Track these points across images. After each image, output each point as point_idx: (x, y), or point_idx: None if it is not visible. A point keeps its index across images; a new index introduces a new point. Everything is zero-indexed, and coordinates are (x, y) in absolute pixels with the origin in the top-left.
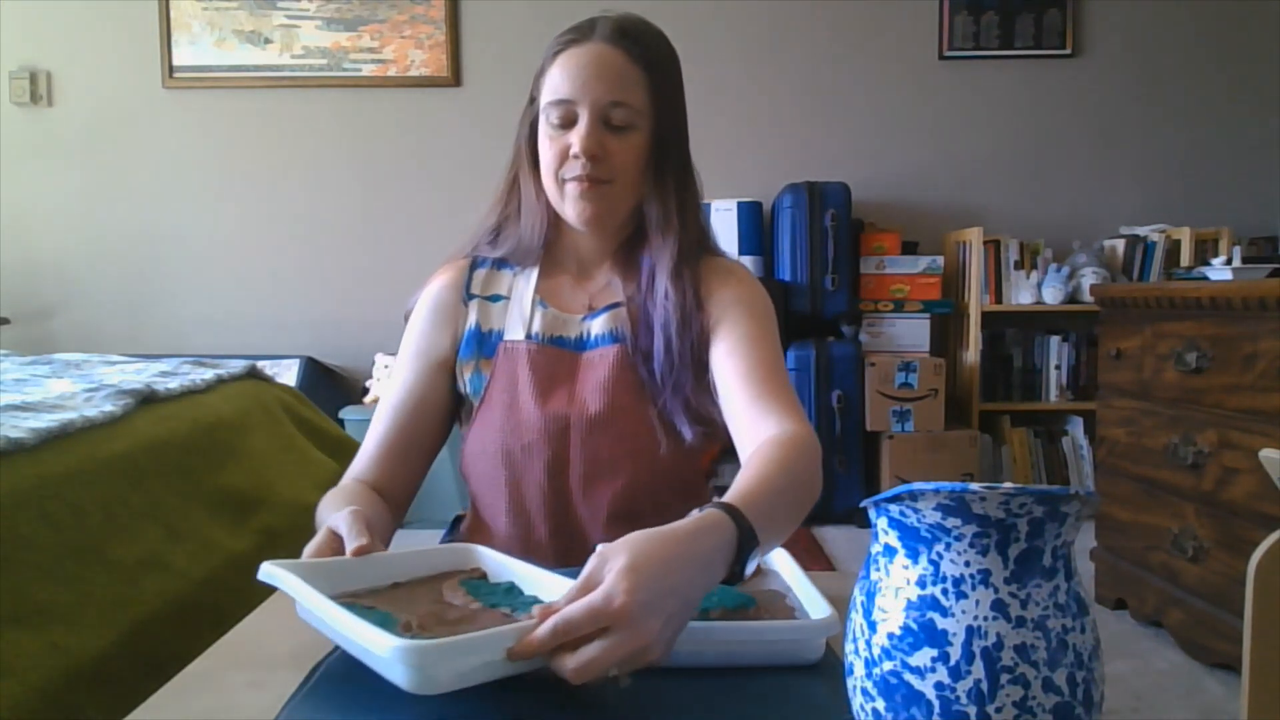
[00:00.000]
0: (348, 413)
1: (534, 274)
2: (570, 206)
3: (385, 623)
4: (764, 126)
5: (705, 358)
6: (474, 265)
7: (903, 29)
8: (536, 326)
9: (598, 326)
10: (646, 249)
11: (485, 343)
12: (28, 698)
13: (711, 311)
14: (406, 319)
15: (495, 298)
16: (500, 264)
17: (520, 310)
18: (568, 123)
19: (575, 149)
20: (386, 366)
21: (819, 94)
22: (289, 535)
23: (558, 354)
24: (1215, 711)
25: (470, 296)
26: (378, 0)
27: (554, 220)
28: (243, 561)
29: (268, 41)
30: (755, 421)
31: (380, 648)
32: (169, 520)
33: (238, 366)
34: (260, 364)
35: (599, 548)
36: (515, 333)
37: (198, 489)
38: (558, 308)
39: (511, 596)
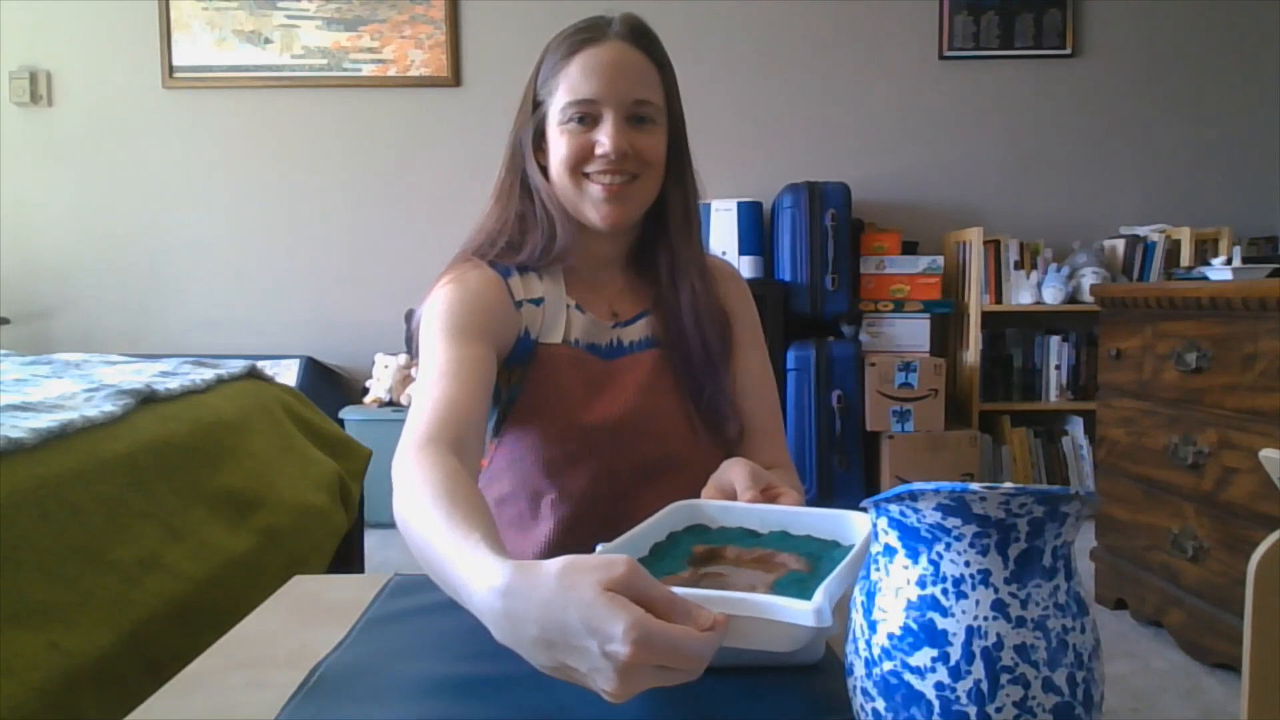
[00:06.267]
0: (348, 413)
1: (560, 277)
2: (594, 209)
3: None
4: (764, 126)
5: (727, 354)
6: (502, 272)
7: (903, 29)
8: (575, 332)
9: (631, 334)
10: (662, 247)
11: (522, 347)
12: (28, 698)
13: (730, 318)
14: (408, 319)
15: (537, 301)
16: (523, 269)
17: (557, 314)
18: (589, 122)
19: (605, 147)
20: (386, 366)
21: (819, 94)
22: (289, 535)
23: (591, 360)
24: (1215, 711)
25: (518, 303)
26: (378, 0)
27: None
28: (243, 561)
29: (268, 41)
30: (759, 454)
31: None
32: (169, 520)
33: (238, 366)
34: (260, 364)
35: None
36: (552, 337)
37: (198, 489)
38: (590, 313)
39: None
